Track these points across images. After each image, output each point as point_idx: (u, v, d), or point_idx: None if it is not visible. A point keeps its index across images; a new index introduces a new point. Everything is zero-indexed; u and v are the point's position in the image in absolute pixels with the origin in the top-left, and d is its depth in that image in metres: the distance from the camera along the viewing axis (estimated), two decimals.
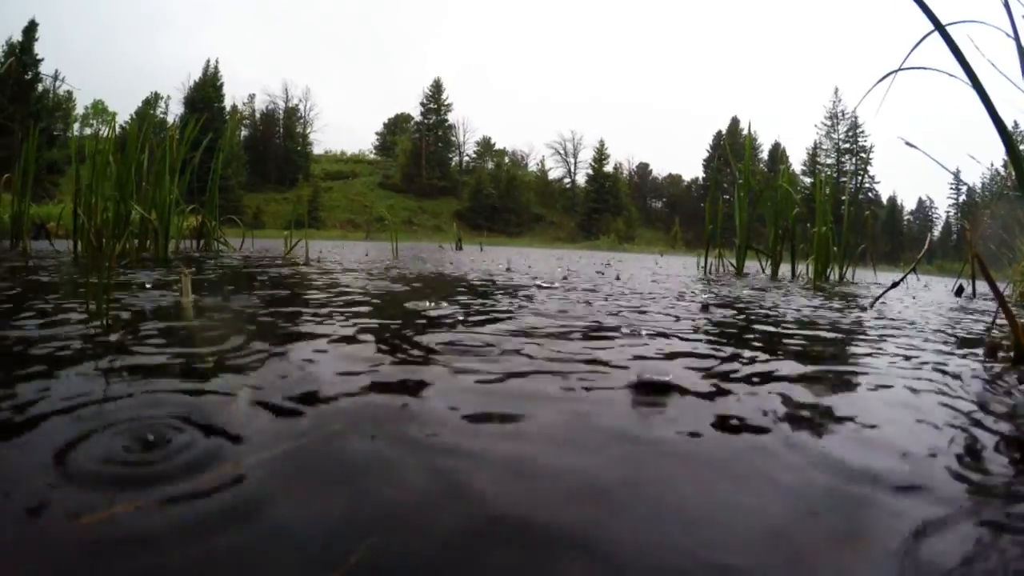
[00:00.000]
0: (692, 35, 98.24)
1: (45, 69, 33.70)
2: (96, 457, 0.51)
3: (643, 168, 59.70)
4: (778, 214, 6.37)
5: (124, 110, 48.56)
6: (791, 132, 77.47)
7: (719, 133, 51.98)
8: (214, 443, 0.56)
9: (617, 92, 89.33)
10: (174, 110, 42.93)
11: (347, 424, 0.63)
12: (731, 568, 0.40)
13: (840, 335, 1.62)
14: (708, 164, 51.91)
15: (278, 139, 52.00)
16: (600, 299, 2.25)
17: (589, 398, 0.80)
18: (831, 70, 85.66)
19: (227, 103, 46.90)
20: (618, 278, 3.92)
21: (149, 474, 0.49)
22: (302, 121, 53.66)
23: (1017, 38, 1.34)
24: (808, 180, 39.52)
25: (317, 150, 55.95)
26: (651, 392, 0.83)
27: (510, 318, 1.55)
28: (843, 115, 49.90)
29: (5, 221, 4.64)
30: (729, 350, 1.23)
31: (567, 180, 58.43)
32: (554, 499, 0.49)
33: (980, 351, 1.42)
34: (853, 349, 1.41)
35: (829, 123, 50.70)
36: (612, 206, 53.10)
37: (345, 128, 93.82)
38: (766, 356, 1.18)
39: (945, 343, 1.55)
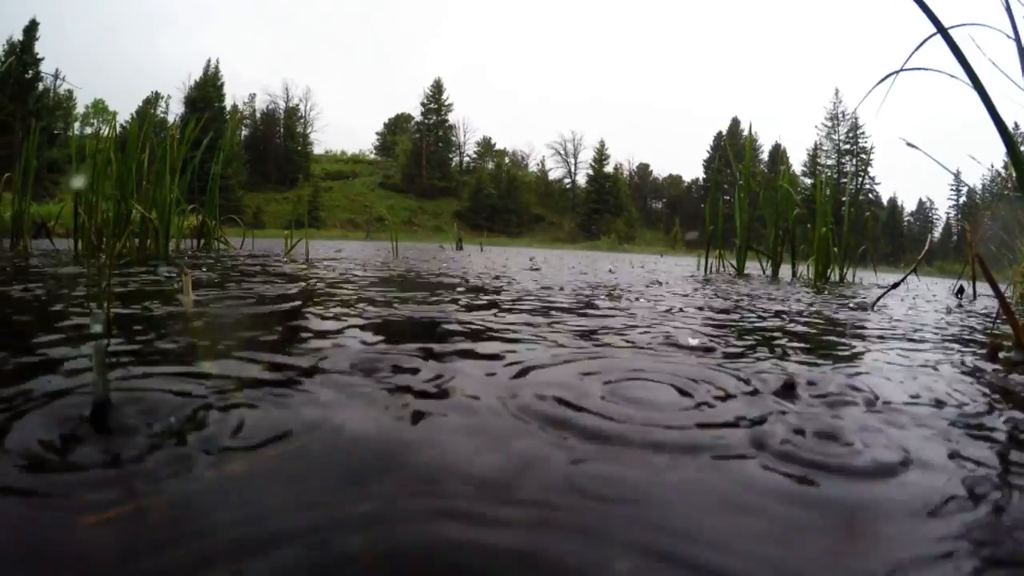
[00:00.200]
0: (693, 35, 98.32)
1: (45, 68, 33.77)
2: None
3: (643, 168, 59.77)
4: (778, 215, 6.38)
5: (124, 109, 48.54)
6: (792, 133, 77.59)
7: (719, 134, 52.00)
8: None
9: (617, 92, 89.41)
10: (174, 110, 43.04)
11: None
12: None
13: (840, 333, 1.62)
14: (708, 165, 51.95)
15: (278, 139, 52.05)
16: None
17: None
18: (832, 71, 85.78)
19: (227, 103, 47.04)
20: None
21: None
22: (302, 121, 53.73)
23: (1018, 39, 1.34)
24: (808, 181, 39.55)
25: (317, 150, 56.06)
26: None
27: None
28: (844, 116, 49.97)
29: (6, 220, 4.64)
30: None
31: (567, 180, 58.53)
32: None
33: (981, 351, 1.42)
34: (854, 348, 1.41)
35: (830, 124, 50.76)
36: (612, 206, 53.15)
37: (345, 128, 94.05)
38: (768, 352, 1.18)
39: (945, 343, 1.55)
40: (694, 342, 1.22)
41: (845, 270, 6.21)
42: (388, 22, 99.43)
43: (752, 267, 7.00)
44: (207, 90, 43.96)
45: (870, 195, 49.04)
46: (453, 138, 56.75)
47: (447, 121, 55.63)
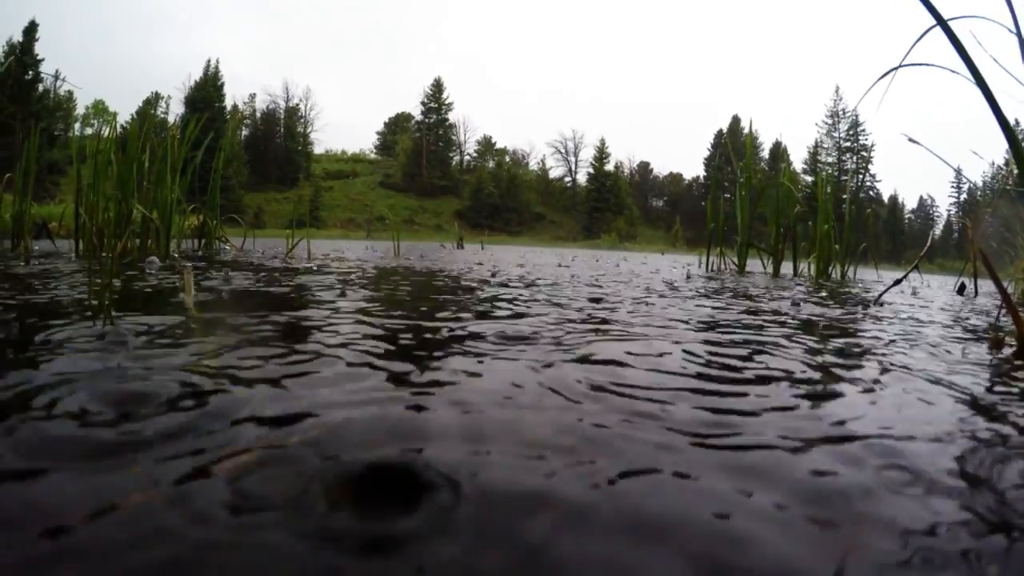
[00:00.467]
0: (693, 33, 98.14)
1: (45, 69, 33.79)
2: None
3: (644, 167, 59.69)
4: (779, 212, 6.37)
5: (125, 110, 48.57)
6: (792, 131, 77.25)
7: (720, 131, 51.91)
8: None
9: (618, 91, 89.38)
10: (175, 110, 43.03)
11: None
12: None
13: (841, 331, 1.61)
14: (709, 162, 51.88)
15: (279, 139, 52.03)
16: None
17: None
18: (832, 68, 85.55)
19: (228, 103, 47.00)
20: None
21: None
22: (303, 120, 53.71)
23: (1019, 33, 1.34)
24: (809, 178, 39.48)
25: (318, 149, 56.05)
26: None
27: None
28: (844, 113, 49.86)
29: (7, 221, 4.64)
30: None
31: (568, 179, 58.46)
32: None
33: (984, 347, 1.42)
34: (856, 343, 1.41)
35: (830, 121, 50.66)
36: (613, 205, 53.09)
37: (346, 127, 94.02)
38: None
39: (948, 340, 1.55)
40: None
41: (846, 268, 6.20)
42: (388, 21, 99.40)
43: (753, 265, 6.99)
44: (207, 90, 43.94)
45: (871, 192, 48.95)
46: (453, 137, 56.72)
47: (447, 120, 55.60)
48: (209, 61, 46.19)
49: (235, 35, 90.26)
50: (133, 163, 4.64)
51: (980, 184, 35.93)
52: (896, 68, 1.60)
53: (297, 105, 53.28)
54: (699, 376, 0.92)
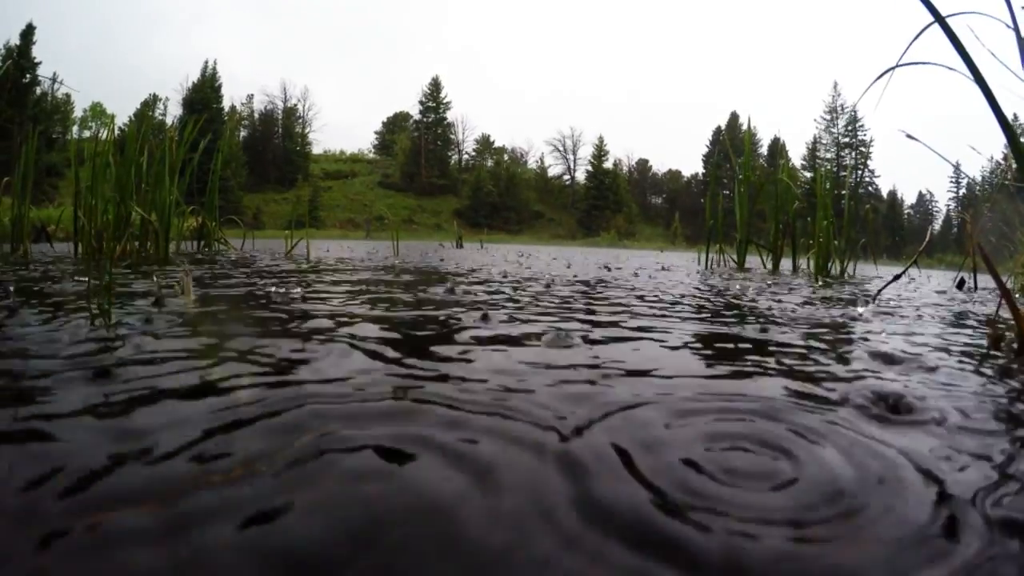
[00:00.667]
0: (690, 29, 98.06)
1: (43, 72, 33.69)
2: None
3: (643, 164, 59.64)
4: (778, 209, 6.36)
5: (122, 112, 48.57)
6: (791, 127, 77.44)
7: (718, 128, 51.83)
8: None
9: (616, 88, 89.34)
10: (173, 111, 42.95)
11: None
12: None
13: (841, 330, 1.62)
14: (708, 159, 51.83)
15: (277, 139, 51.97)
16: None
17: None
18: (830, 64, 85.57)
19: (226, 104, 46.91)
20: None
21: None
22: (301, 121, 53.62)
23: (1017, 29, 1.34)
24: (808, 175, 39.47)
25: (316, 150, 55.96)
26: None
27: None
28: (842, 109, 49.82)
29: (5, 224, 4.63)
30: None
31: (567, 177, 58.43)
32: None
33: (984, 343, 1.42)
34: (857, 340, 1.41)
35: (828, 117, 50.63)
36: (612, 202, 53.05)
37: (344, 127, 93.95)
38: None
39: (947, 335, 1.55)
40: None
41: (846, 263, 6.20)
42: (386, 21, 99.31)
43: (752, 261, 6.99)
44: (205, 91, 43.85)
45: (870, 188, 48.94)
46: (452, 136, 56.67)
47: (446, 119, 55.56)
48: (207, 62, 46.17)
49: (232, 35, 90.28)
50: (131, 165, 4.63)
51: (979, 179, 35.98)
52: (894, 68, 1.60)
53: (295, 105, 53.24)
54: None
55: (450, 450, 0.54)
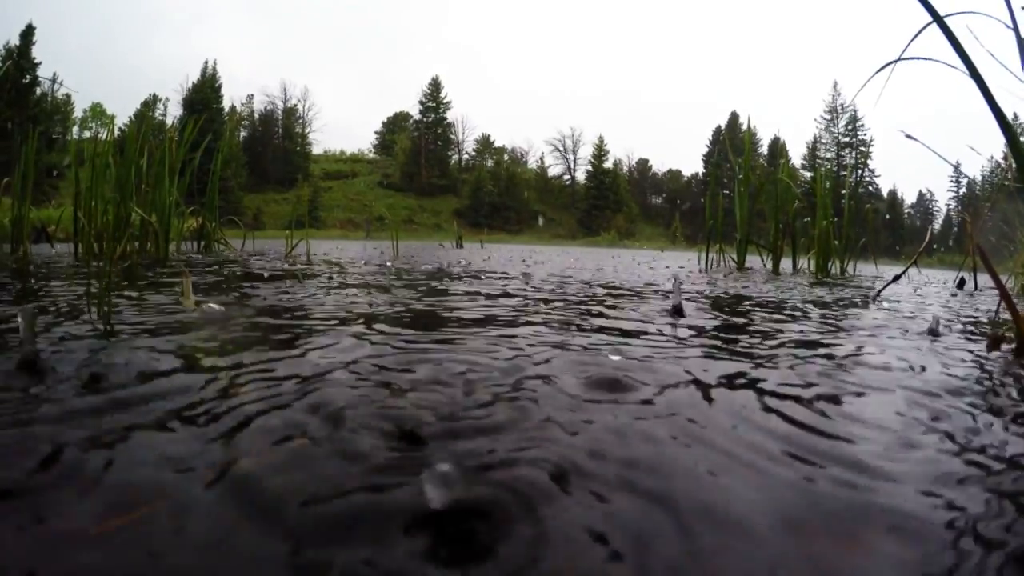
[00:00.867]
0: (690, 29, 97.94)
1: (43, 72, 33.69)
2: None
3: (643, 164, 59.56)
4: (778, 208, 6.35)
5: (123, 112, 48.53)
6: (791, 127, 77.15)
7: (718, 128, 51.75)
8: None
9: (616, 87, 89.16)
10: (173, 112, 42.91)
11: None
12: None
13: (842, 329, 1.61)
14: (708, 159, 51.76)
15: (277, 139, 51.92)
16: None
17: None
18: (830, 64, 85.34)
19: (225, 104, 46.84)
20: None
21: None
22: (301, 121, 53.56)
23: (1016, 28, 1.34)
24: (808, 174, 39.43)
25: (316, 150, 55.84)
26: None
27: None
28: (842, 109, 49.74)
29: (5, 225, 4.63)
30: None
31: (567, 177, 58.36)
32: None
33: (983, 343, 1.42)
34: (857, 339, 1.41)
35: (828, 117, 50.56)
36: (612, 202, 52.98)
37: (344, 128, 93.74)
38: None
39: (948, 335, 1.55)
40: None
41: (846, 263, 6.20)
42: (386, 21, 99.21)
43: (752, 261, 6.99)
44: (205, 92, 43.80)
45: (870, 188, 48.88)
46: (452, 136, 56.59)
47: (446, 119, 55.50)
48: (207, 62, 46.09)
49: (232, 35, 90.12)
50: (131, 166, 4.63)
51: (979, 179, 35.92)
52: (894, 62, 1.60)
53: (295, 106, 53.15)
54: None
55: None
